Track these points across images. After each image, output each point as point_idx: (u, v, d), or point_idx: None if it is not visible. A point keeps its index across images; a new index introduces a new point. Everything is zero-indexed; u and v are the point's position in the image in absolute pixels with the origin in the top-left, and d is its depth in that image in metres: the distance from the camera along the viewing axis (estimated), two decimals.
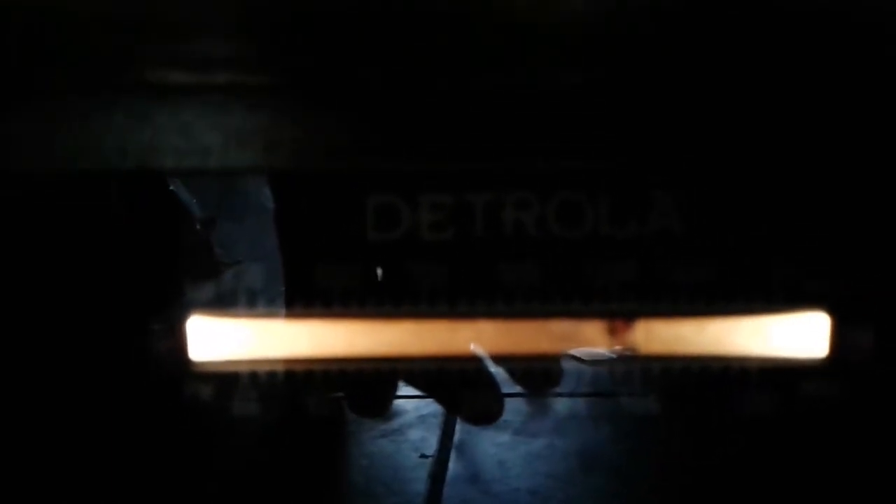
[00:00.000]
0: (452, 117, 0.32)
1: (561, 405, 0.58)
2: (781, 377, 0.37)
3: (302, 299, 0.38)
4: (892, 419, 0.40)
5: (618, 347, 0.37)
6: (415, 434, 0.57)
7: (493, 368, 0.45)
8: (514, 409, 0.59)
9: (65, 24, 0.31)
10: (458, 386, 0.43)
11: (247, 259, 0.71)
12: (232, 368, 0.39)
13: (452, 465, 0.53)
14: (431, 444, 0.55)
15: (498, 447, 0.55)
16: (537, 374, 0.42)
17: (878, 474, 0.40)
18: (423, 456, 0.54)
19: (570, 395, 0.59)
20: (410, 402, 0.60)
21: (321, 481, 0.52)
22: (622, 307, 0.37)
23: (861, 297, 0.37)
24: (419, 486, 0.51)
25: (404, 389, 0.63)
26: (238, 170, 0.34)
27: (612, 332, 0.37)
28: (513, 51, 0.31)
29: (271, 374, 0.39)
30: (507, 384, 0.48)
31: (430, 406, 0.59)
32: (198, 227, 0.62)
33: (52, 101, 0.33)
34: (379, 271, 0.40)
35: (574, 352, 0.65)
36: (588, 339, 0.37)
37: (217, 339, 0.38)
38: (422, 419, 0.58)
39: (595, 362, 0.64)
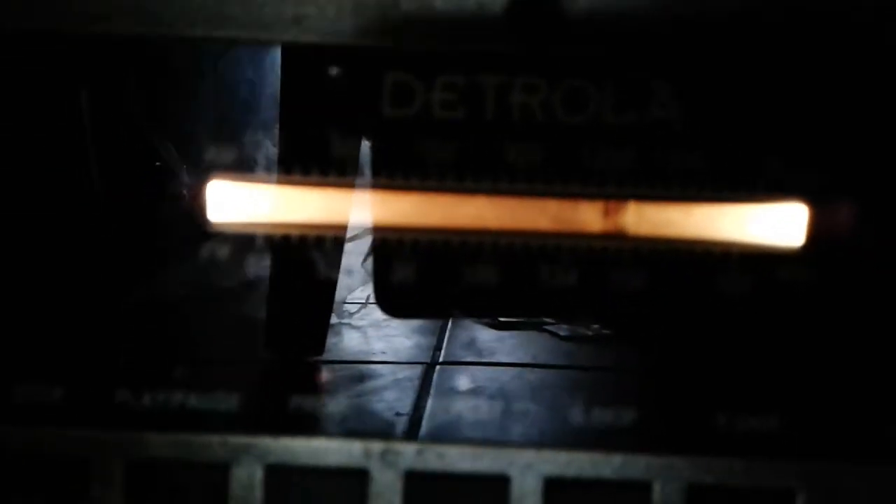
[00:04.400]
0: None
1: (535, 375, 0.59)
2: (760, 263, 0.40)
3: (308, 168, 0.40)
4: (860, 305, 0.42)
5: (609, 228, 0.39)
6: (390, 395, 0.57)
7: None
8: (491, 376, 0.60)
9: None
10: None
11: None
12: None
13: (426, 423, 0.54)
14: (406, 406, 0.56)
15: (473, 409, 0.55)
16: None
17: (846, 356, 0.42)
18: (398, 414, 0.55)
19: (544, 366, 0.61)
20: (386, 367, 0.61)
21: None
22: (616, 190, 0.39)
23: (837, 190, 0.40)
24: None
25: (381, 356, 0.65)
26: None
27: (606, 213, 0.39)
28: None
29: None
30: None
31: (406, 370, 0.61)
32: (184, 191, 0.63)
33: None
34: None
35: (549, 327, 0.67)
36: (582, 220, 0.39)
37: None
38: (397, 382, 0.59)
39: (570, 337, 0.65)
